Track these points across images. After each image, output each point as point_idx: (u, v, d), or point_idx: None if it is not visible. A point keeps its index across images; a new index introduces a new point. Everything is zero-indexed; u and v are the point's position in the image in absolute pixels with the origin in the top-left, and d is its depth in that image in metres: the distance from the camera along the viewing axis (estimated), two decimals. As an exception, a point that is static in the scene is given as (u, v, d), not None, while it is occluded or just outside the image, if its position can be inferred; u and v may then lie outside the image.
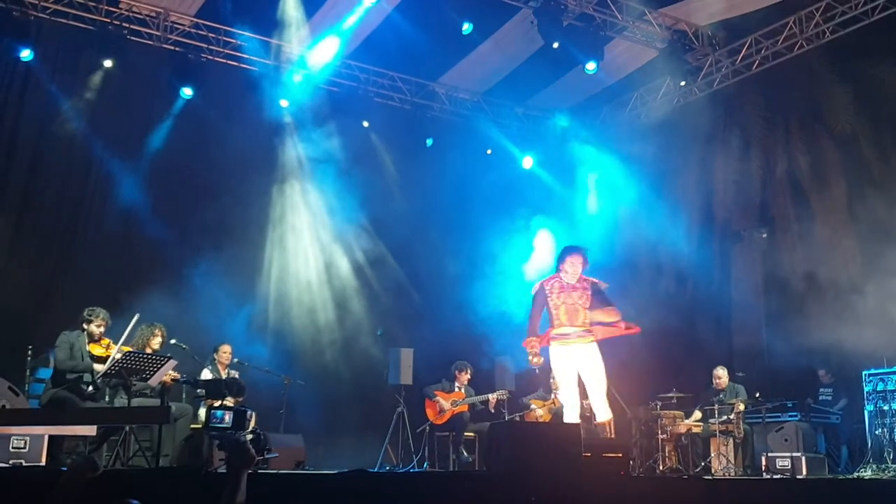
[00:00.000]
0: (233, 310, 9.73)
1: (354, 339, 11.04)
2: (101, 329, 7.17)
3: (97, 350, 7.13)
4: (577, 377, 6.82)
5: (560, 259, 6.95)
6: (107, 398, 7.32)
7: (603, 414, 6.87)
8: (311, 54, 10.29)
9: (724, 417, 9.01)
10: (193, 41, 10.23)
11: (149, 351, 7.39)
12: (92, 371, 7.00)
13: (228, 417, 6.46)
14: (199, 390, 7.78)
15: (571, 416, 6.74)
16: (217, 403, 6.82)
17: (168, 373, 7.21)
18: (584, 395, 6.92)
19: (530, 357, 6.81)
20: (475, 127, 12.04)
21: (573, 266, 6.87)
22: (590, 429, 7.24)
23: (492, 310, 11.43)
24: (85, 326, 7.14)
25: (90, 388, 6.97)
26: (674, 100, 11.47)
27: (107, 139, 9.82)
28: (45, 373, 7.30)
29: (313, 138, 11.02)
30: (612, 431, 6.90)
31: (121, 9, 9.79)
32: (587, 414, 7.39)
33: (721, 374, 9.57)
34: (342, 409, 10.59)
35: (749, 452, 9.16)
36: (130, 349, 7.20)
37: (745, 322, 10.95)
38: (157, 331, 7.66)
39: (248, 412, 6.76)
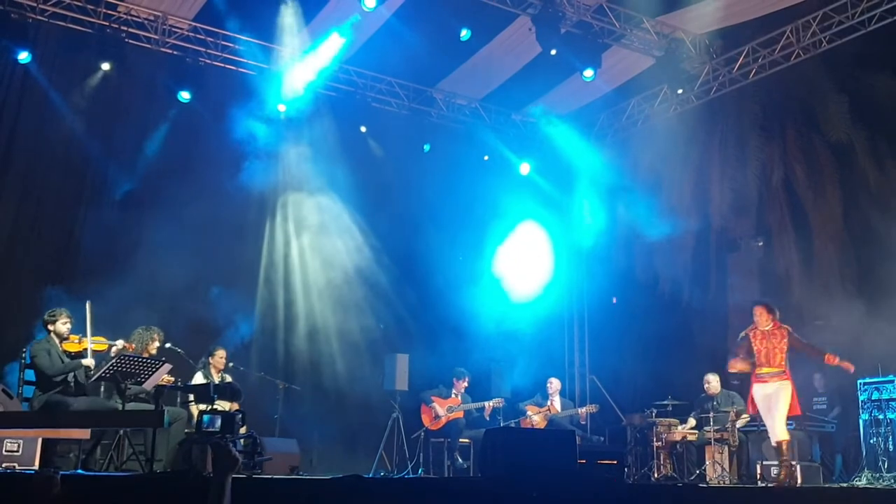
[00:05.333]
0: (228, 313, 9.71)
1: (350, 345, 11.02)
2: (67, 325, 7.10)
3: (72, 347, 7.09)
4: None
5: (752, 312, 8.25)
6: (101, 396, 7.32)
7: (780, 435, 7.96)
8: (303, 67, 10.27)
9: (721, 426, 8.99)
10: (191, 45, 10.23)
11: (146, 355, 7.36)
12: (81, 366, 6.98)
13: (217, 422, 6.44)
14: (189, 394, 7.72)
15: (775, 436, 7.94)
16: (208, 408, 6.80)
17: (164, 376, 7.18)
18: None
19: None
20: (473, 133, 12.04)
21: (759, 316, 8.18)
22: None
23: (488, 316, 11.44)
24: (50, 328, 7.07)
25: (73, 385, 6.95)
26: (671, 108, 11.49)
27: (104, 142, 9.81)
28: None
29: (310, 143, 11.01)
30: (787, 451, 7.97)
31: (119, 12, 9.79)
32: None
33: (711, 380, 9.54)
34: (337, 415, 10.57)
35: (744, 461, 9.15)
36: (103, 339, 7.18)
37: (741, 330, 10.94)
38: (154, 334, 7.64)
39: (239, 416, 6.74)
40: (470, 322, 11.19)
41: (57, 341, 7.03)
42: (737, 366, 8.24)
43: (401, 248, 11.48)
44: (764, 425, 8.49)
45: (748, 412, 8.53)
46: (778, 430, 7.94)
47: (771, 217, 10.92)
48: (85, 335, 7.12)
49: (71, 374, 7.00)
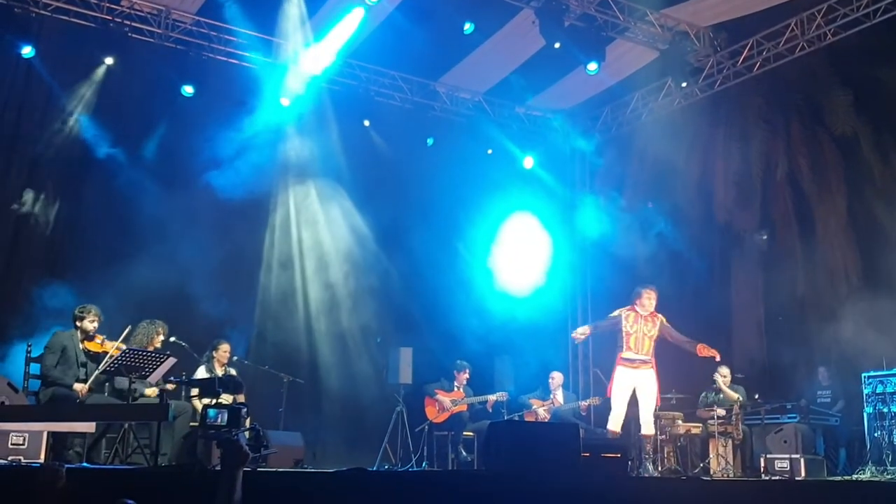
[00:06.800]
0: (232, 307, 9.73)
1: (353, 338, 11.04)
2: (95, 324, 7.15)
3: (93, 347, 7.12)
4: (631, 395, 8.06)
5: (637, 293, 8.15)
6: (106, 393, 7.33)
7: (648, 429, 8.15)
8: (306, 61, 10.24)
9: (723, 411, 8.99)
10: (195, 39, 10.22)
11: (151, 349, 7.38)
12: (78, 377, 7.01)
13: (222, 416, 6.45)
14: (192, 390, 7.74)
15: (615, 424, 8.03)
16: (212, 402, 6.82)
17: (167, 376, 7.21)
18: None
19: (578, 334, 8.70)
20: (476, 126, 12.02)
21: (650, 300, 8.08)
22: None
23: (492, 309, 11.45)
24: (78, 324, 7.11)
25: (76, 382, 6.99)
26: (675, 101, 11.46)
27: (108, 136, 9.81)
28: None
29: (313, 137, 11.01)
30: (652, 446, 8.26)
31: (122, 6, 9.78)
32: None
33: (725, 373, 9.55)
34: (341, 408, 10.59)
35: (748, 454, 9.16)
36: (125, 347, 7.21)
37: (744, 323, 10.95)
38: (159, 328, 7.67)
39: (244, 410, 6.76)
40: (473, 315, 11.19)
41: (80, 338, 7.07)
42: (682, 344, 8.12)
43: (404, 242, 11.47)
44: (767, 418, 8.52)
45: (607, 395, 8.34)
46: (649, 423, 8.11)
47: (775, 211, 10.91)
48: (110, 338, 7.16)
49: (81, 372, 7.04)
